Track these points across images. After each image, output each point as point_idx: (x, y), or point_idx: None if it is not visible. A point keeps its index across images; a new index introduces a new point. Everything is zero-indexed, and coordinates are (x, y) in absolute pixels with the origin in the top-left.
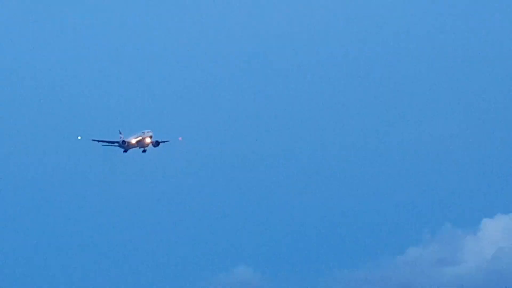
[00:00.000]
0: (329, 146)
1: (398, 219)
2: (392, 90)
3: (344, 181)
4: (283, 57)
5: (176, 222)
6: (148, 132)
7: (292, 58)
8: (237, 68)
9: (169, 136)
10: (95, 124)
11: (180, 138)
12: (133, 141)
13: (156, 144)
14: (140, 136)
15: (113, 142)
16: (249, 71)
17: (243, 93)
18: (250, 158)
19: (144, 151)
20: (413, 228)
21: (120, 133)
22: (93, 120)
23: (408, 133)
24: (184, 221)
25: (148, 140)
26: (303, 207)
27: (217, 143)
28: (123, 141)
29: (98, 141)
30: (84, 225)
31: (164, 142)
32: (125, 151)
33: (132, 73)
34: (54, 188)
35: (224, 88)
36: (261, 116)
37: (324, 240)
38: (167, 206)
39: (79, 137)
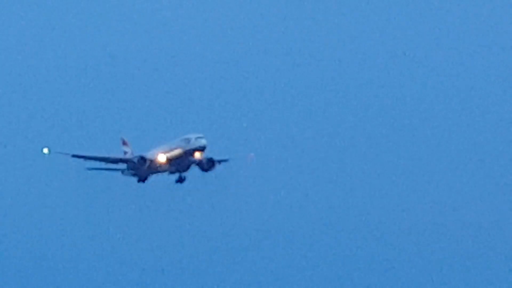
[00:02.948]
0: None
1: None
2: None
3: None
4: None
5: None
6: (198, 138)
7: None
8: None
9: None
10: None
11: (250, 156)
12: (163, 157)
13: (208, 165)
14: (180, 147)
15: (118, 161)
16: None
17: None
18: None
19: (180, 179)
20: None
21: (124, 143)
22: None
23: None
24: None
25: (197, 155)
26: None
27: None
28: (142, 159)
29: (86, 158)
30: None
31: (221, 162)
32: (142, 179)
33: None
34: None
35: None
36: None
37: None
38: None
39: (46, 150)
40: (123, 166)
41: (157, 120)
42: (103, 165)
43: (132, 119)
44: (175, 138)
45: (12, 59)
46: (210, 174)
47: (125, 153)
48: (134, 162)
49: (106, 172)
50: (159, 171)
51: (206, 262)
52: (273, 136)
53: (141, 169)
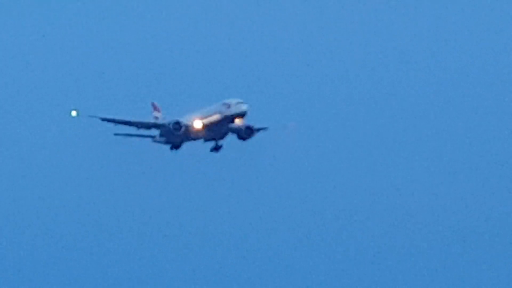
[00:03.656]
0: None
1: None
2: None
3: None
4: None
5: None
6: (238, 103)
7: None
8: None
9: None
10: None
11: (291, 125)
12: (199, 123)
13: (247, 132)
14: (218, 112)
15: (151, 126)
16: None
17: None
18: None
19: (216, 148)
20: None
21: (155, 108)
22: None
23: None
24: None
25: (237, 121)
26: None
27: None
28: (177, 124)
29: (115, 122)
30: None
31: (259, 130)
32: (176, 146)
33: None
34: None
35: None
36: None
37: None
38: None
39: (74, 113)
40: (154, 132)
41: (191, 84)
42: (132, 130)
43: (164, 83)
44: (210, 103)
45: (42, 20)
46: (248, 143)
47: (156, 118)
48: (168, 127)
49: (136, 138)
50: (193, 138)
51: (243, 236)
52: (316, 104)
53: (176, 135)
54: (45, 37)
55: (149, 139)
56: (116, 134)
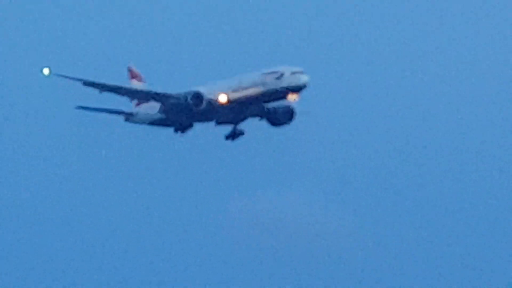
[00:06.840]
0: None
1: None
2: None
3: None
4: None
5: None
6: (295, 73)
7: None
8: None
9: None
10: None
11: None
12: (224, 98)
13: (285, 115)
14: (261, 84)
15: (153, 97)
16: None
17: None
18: None
19: (234, 134)
20: None
21: (134, 75)
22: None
23: None
24: None
25: (291, 97)
26: None
27: None
28: (198, 96)
29: (102, 88)
30: None
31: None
32: (182, 129)
33: None
34: None
35: None
36: None
37: None
38: None
39: (46, 71)
40: (128, 108)
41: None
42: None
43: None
44: (206, 74)
45: None
46: (279, 130)
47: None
48: (183, 101)
49: (105, 115)
50: (207, 119)
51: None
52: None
53: (192, 112)
54: None
55: (121, 117)
56: (79, 107)
